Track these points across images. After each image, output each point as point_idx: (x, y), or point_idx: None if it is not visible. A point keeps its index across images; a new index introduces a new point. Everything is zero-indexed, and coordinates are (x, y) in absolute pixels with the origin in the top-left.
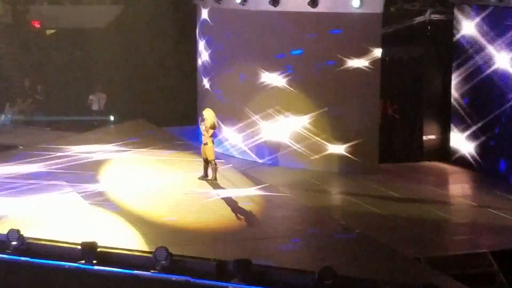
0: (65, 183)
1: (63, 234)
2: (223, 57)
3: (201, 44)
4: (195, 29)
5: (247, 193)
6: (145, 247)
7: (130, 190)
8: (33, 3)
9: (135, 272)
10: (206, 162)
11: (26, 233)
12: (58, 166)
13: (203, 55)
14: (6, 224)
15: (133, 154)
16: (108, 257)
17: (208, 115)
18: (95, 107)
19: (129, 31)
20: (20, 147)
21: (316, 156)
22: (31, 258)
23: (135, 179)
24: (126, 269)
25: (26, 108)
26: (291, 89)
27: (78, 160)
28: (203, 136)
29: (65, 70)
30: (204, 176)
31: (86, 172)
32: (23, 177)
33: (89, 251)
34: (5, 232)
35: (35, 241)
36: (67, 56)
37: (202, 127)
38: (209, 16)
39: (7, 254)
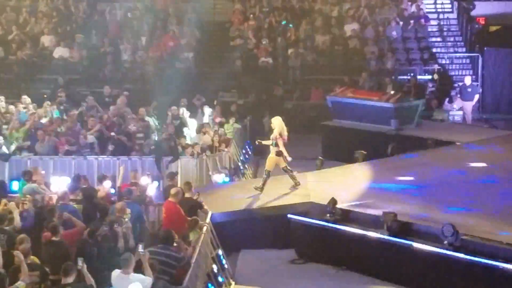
0: None
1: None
2: None
3: None
4: None
5: None
6: None
7: None
8: None
9: None
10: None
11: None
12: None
13: None
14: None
15: None
16: None
17: (276, 124)
18: None
19: None
20: (458, 143)
21: None
22: (466, 254)
23: None
24: None
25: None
26: None
27: None
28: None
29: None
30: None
31: None
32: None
33: None
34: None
35: (470, 238)
36: None
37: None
38: None
39: (441, 248)
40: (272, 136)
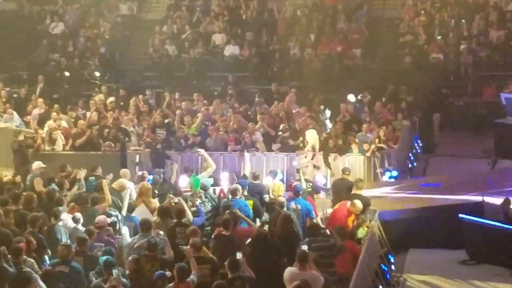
0: None
1: None
2: None
3: None
4: None
5: None
6: None
7: None
8: None
9: None
10: None
11: None
12: None
13: None
14: None
15: None
16: None
17: (310, 137)
18: None
19: None
20: None
21: None
22: None
23: None
24: None
25: None
26: None
27: None
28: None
29: None
30: None
31: None
32: None
33: None
34: None
35: None
36: None
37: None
38: None
39: None
40: (305, 149)
